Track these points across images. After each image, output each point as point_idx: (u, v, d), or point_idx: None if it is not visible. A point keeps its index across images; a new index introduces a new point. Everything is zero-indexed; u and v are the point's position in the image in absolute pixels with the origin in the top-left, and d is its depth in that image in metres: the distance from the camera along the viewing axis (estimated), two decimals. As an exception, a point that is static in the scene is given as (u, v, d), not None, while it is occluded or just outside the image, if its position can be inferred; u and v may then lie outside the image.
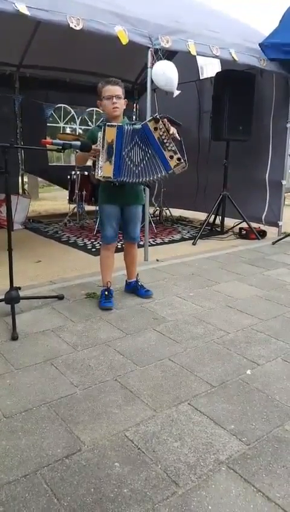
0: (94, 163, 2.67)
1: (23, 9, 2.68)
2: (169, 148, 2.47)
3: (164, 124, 2.46)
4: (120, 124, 2.51)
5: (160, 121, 2.45)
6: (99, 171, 2.51)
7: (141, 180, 2.55)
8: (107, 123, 2.51)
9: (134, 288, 3.02)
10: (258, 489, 1.32)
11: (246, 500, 1.28)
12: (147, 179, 2.55)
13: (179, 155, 2.47)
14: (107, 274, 2.91)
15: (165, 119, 2.47)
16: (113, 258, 2.92)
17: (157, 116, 2.45)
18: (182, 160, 2.48)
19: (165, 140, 2.46)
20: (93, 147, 2.52)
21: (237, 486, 1.33)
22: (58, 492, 1.30)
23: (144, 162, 2.51)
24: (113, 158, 2.48)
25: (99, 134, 2.52)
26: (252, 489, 1.32)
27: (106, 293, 2.84)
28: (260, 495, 1.30)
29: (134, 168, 2.52)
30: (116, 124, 2.51)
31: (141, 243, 3.70)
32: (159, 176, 2.52)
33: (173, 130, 2.48)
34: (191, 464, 1.42)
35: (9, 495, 1.29)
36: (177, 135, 2.50)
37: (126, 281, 3.10)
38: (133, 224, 2.86)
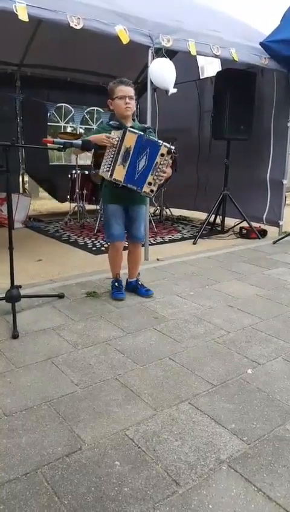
0: (95, 161, 2.67)
1: (22, 15, 2.67)
2: (154, 176, 2.58)
3: (169, 161, 2.57)
4: (141, 133, 2.56)
5: (171, 155, 2.56)
6: (109, 172, 2.55)
7: (131, 186, 2.62)
8: (130, 128, 2.57)
9: (134, 288, 3.03)
10: (259, 488, 1.32)
11: (246, 499, 1.28)
12: (132, 186, 2.63)
13: (154, 188, 2.62)
14: (116, 267, 2.98)
15: (172, 158, 2.60)
16: (122, 255, 2.97)
17: (173, 151, 2.56)
18: (152, 194, 2.66)
19: (158, 170, 2.58)
20: (107, 135, 2.53)
21: (238, 485, 1.33)
22: (58, 491, 1.30)
23: (141, 171, 2.61)
24: (127, 164, 2.55)
25: (113, 133, 2.55)
26: (252, 488, 1.32)
27: (116, 284, 2.92)
28: (260, 494, 1.30)
29: (136, 174, 2.61)
30: (137, 131, 2.56)
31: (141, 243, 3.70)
32: (135, 188, 2.63)
33: (168, 171, 2.62)
34: (192, 463, 1.42)
35: (10, 493, 1.29)
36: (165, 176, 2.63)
37: (127, 280, 3.10)
38: (137, 224, 2.89)
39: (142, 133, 2.57)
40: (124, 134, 2.51)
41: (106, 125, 2.74)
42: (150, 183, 2.60)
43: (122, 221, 2.83)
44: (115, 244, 2.89)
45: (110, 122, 2.74)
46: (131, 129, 2.55)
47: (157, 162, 2.57)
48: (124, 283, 3.03)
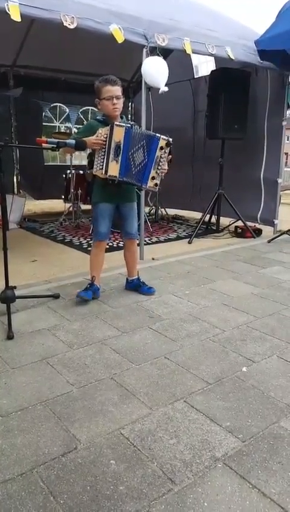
0: (90, 161, 2.67)
1: (15, 15, 2.67)
2: (157, 170, 2.65)
3: (168, 152, 2.63)
4: (128, 125, 2.56)
5: (169, 147, 2.60)
6: (104, 169, 2.55)
7: (131, 181, 2.64)
8: (116, 122, 2.55)
9: (137, 286, 3.03)
10: (253, 485, 1.33)
11: (241, 496, 1.29)
12: (133, 182, 2.66)
13: (157, 181, 2.67)
14: (96, 268, 2.94)
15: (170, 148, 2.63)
16: (103, 256, 2.95)
17: (170, 142, 2.60)
18: (157, 188, 2.70)
19: (159, 163, 2.63)
20: (100, 131, 2.52)
21: (233, 482, 1.34)
22: (54, 491, 1.31)
23: (140, 166, 2.63)
24: (120, 158, 2.55)
25: (100, 130, 2.54)
26: (247, 485, 1.33)
27: (88, 285, 2.88)
28: (255, 491, 1.31)
29: (133, 169, 2.61)
30: (124, 124, 2.55)
31: (137, 241, 3.69)
32: (136, 183, 2.67)
33: (166, 166, 2.66)
34: (187, 461, 1.43)
35: (5, 493, 1.29)
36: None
37: (127, 279, 3.10)
38: (130, 220, 2.89)
39: (130, 125, 2.56)
40: (111, 129, 2.51)
41: (95, 121, 2.74)
42: (153, 178, 2.65)
43: (110, 220, 2.81)
44: (100, 242, 2.87)
45: (99, 117, 2.74)
46: (117, 123, 2.54)
47: (158, 156, 2.61)
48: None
